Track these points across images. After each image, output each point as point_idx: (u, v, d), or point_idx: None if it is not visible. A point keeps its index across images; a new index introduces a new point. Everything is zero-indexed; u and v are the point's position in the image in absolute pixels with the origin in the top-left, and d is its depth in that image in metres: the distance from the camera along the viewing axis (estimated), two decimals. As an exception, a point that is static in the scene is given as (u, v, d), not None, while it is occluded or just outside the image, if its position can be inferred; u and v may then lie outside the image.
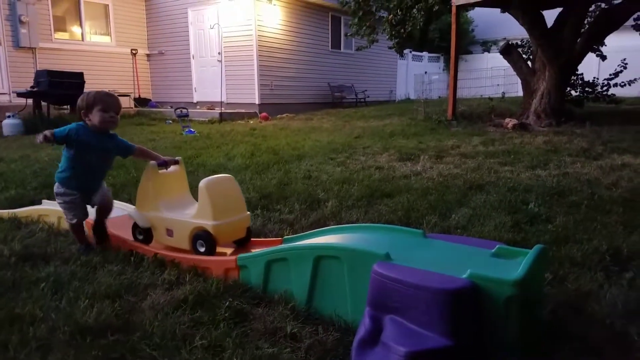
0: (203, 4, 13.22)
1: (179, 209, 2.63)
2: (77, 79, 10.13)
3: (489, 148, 6.11)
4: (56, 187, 2.65)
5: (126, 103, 12.60)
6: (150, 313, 1.93)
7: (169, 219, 2.58)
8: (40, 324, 1.84)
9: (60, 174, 2.62)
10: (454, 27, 9.15)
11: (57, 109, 10.77)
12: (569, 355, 1.64)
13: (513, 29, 13.87)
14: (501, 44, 9.92)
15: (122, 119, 2.69)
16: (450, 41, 9.38)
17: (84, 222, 2.73)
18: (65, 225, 2.85)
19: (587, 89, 10.08)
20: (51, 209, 3.20)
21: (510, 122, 8.18)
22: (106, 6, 13.55)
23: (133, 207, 3.19)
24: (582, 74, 9.97)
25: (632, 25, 9.93)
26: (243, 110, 12.37)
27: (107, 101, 2.56)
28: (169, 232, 2.59)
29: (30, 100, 10.10)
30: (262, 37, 12.58)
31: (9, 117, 9.31)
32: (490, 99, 11.35)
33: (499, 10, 10.70)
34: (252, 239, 2.69)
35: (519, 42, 11.10)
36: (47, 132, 2.44)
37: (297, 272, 2.01)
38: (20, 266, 2.44)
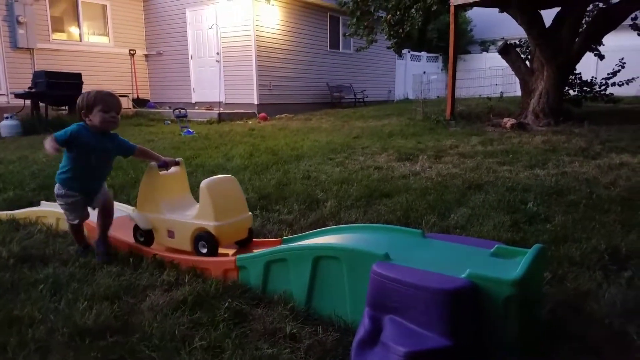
0: (201, 4, 13.21)
1: (180, 210, 2.62)
2: (75, 79, 10.13)
3: (487, 148, 6.11)
4: (57, 189, 2.61)
5: (124, 104, 12.58)
6: (149, 314, 1.93)
7: (170, 220, 2.57)
8: (39, 326, 1.83)
9: (61, 175, 2.59)
10: (452, 27, 9.16)
11: (55, 110, 10.76)
12: (568, 355, 1.64)
13: (511, 29, 13.89)
14: (499, 43, 9.94)
15: (120, 119, 2.67)
16: (448, 41, 9.39)
17: (84, 224, 2.72)
18: (63, 226, 2.84)
19: (585, 88, 10.09)
20: (50, 211, 3.19)
21: (508, 121, 8.19)
22: (104, 6, 13.53)
23: (132, 208, 3.20)
24: (580, 73, 9.99)
25: (630, 25, 9.96)
26: (242, 111, 12.37)
27: (108, 101, 2.53)
28: (170, 234, 2.58)
29: (28, 101, 10.09)
30: (260, 37, 12.58)
31: (6, 118, 9.30)
32: (489, 98, 11.38)
33: (497, 10, 10.71)
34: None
35: (517, 42, 11.12)
36: (51, 142, 2.36)
37: (297, 272, 2.00)
38: (19, 268, 2.44)
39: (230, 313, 1.91)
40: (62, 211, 2.69)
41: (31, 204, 3.65)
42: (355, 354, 1.56)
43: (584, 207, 3.30)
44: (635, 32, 10.23)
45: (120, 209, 3.21)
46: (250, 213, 2.64)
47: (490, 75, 12.80)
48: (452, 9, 9.01)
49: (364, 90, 16.34)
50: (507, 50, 9.31)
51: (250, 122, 11.12)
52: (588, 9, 9.59)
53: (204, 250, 2.43)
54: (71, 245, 2.75)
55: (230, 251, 2.54)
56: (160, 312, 1.94)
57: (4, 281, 2.27)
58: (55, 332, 1.78)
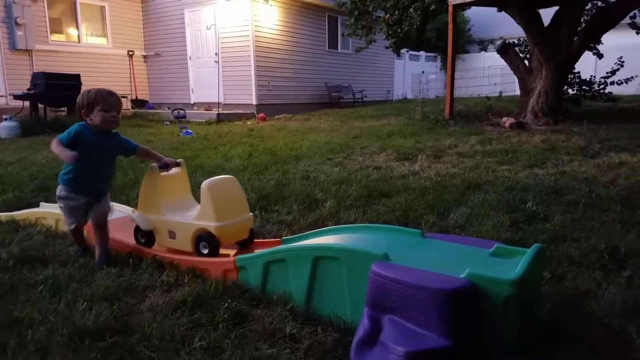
0: (199, 5, 13.20)
1: (181, 211, 2.61)
2: (73, 81, 10.13)
3: (486, 147, 6.12)
4: (59, 190, 2.58)
5: (123, 105, 12.58)
6: (148, 315, 1.93)
7: (171, 221, 2.57)
8: (38, 327, 1.83)
9: (64, 176, 2.56)
10: (450, 26, 9.16)
11: (54, 111, 10.76)
12: (567, 354, 1.64)
13: (510, 28, 13.91)
14: (498, 43, 9.94)
15: (121, 119, 2.65)
16: (447, 40, 9.39)
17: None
18: (62, 227, 2.84)
19: (584, 87, 10.11)
20: (49, 212, 3.19)
21: (507, 121, 8.20)
22: (102, 8, 13.53)
23: (131, 208, 3.20)
24: (579, 72, 10.00)
25: (629, 24, 9.98)
26: (240, 111, 12.37)
27: (109, 100, 2.51)
28: (172, 235, 2.58)
29: (27, 103, 10.09)
30: (259, 37, 12.58)
31: (5, 119, 9.29)
32: (488, 98, 11.39)
33: (495, 9, 10.72)
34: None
35: (516, 41, 11.13)
36: (65, 151, 2.32)
37: (296, 272, 2.00)
38: (18, 269, 2.43)
39: (230, 313, 1.91)
40: (61, 212, 2.68)
41: (30, 205, 3.65)
42: (355, 354, 1.56)
43: (583, 206, 3.31)
44: (634, 31, 10.25)
45: (120, 209, 3.21)
46: (251, 213, 2.64)
47: (489, 75, 12.81)
48: (450, 9, 9.02)
49: (363, 90, 16.35)
50: (506, 50, 9.31)
51: (249, 123, 11.12)
52: (587, 7, 9.60)
53: (205, 251, 2.43)
54: (70, 246, 2.74)
55: (232, 252, 2.54)
56: (159, 313, 1.94)
57: (3, 282, 2.27)
58: (55, 333, 1.78)
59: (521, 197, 3.60)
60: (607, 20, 8.45)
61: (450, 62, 9.32)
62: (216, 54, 13.06)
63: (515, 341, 1.55)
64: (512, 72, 9.67)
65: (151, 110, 13.07)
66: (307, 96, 14.57)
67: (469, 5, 9.75)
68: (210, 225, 2.40)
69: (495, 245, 1.85)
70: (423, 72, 17.68)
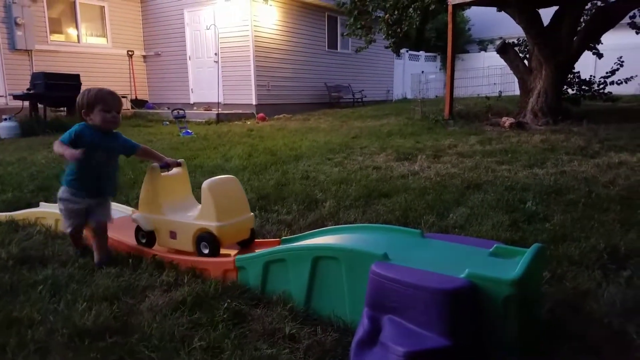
0: (199, 5, 13.20)
1: (182, 211, 2.61)
2: (73, 81, 10.12)
3: (486, 147, 6.12)
4: (61, 192, 2.57)
5: (123, 105, 12.57)
6: (148, 315, 1.93)
7: (172, 221, 2.57)
8: (38, 327, 1.83)
9: (68, 177, 2.55)
10: (450, 26, 9.17)
11: (54, 111, 10.76)
12: (567, 354, 1.64)
13: (509, 28, 13.92)
14: (498, 42, 9.94)
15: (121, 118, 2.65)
16: (446, 40, 9.39)
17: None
18: (62, 228, 2.83)
19: (583, 87, 10.11)
20: (48, 212, 3.19)
21: (507, 121, 8.20)
22: (102, 8, 13.53)
23: (131, 209, 3.20)
24: (578, 72, 10.00)
25: (628, 23, 9.98)
26: (240, 111, 12.36)
27: (109, 100, 2.50)
28: (172, 235, 2.57)
29: (26, 103, 10.08)
30: (258, 37, 12.58)
31: (5, 119, 9.29)
32: (487, 98, 11.39)
33: (495, 9, 10.72)
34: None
35: (516, 41, 11.13)
36: (68, 150, 2.32)
37: (296, 272, 2.00)
38: (18, 269, 2.43)
39: (230, 313, 1.91)
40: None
41: (30, 206, 3.64)
42: (355, 354, 1.56)
43: (583, 206, 3.31)
44: (634, 31, 10.26)
45: (119, 209, 3.21)
46: (252, 213, 2.63)
47: (488, 75, 12.80)
48: (450, 8, 9.03)
49: (362, 90, 16.35)
50: (506, 50, 9.32)
51: (248, 123, 11.12)
52: (586, 7, 9.61)
53: (206, 251, 2.43)
54: (70, 246, 2.74)
55: (232, 252, 2.54)
56: (159, 313, 1.94)
57: (3, 283, 2.26)
58: (55, 333, 1.78)
59: (521, 197, 3.60)
60: (607, 20, 8.45)
61: (449, 62, 9.33)
62: (216, 54, 13.06)
63: (515, 341, 1.55)
64: (511, 72, 9.66)
65: (151, 110, 13.07)
66: (306, 96, 14.57)
67: (469, 5, 9.76)
68: (211, 225, 2.40)
69: (495, 245, 1.85)
70: (423, 72, 17.66)
